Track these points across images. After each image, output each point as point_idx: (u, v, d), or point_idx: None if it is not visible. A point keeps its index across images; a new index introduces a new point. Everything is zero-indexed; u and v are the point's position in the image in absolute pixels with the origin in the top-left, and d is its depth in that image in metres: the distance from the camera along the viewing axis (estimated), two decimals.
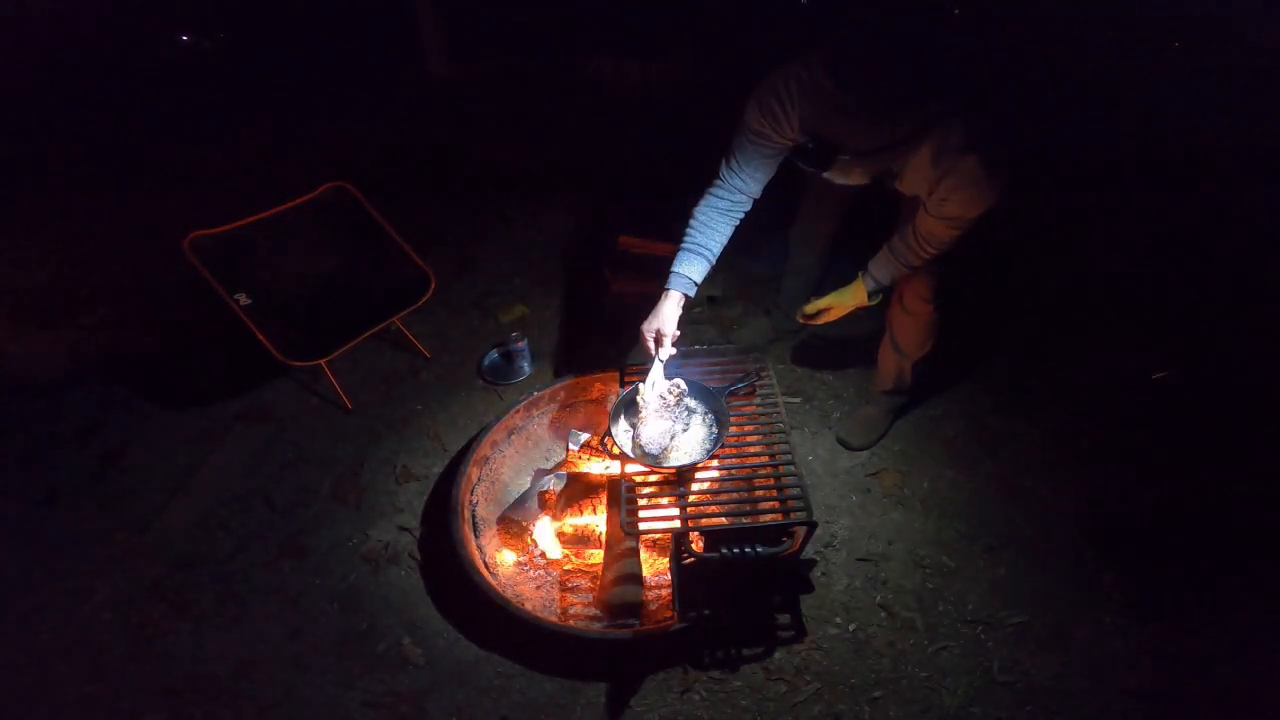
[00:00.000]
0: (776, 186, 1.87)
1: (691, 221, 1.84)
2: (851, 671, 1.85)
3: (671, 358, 1.91)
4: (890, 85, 1.53)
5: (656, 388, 1.84)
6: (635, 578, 1.87)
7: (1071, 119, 3.68)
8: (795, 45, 1.63)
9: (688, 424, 1.87)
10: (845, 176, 1.75)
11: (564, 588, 2.01)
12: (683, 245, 1.84)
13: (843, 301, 2.06)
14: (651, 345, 1.84)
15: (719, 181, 1.82)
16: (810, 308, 2.12)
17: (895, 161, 1.67)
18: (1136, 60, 3.94)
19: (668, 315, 1.83)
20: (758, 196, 1.84)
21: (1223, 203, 3.40)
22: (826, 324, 2.14)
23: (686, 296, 1.84)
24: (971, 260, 1.93)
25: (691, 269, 1.83)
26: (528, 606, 1.89)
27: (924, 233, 1.78)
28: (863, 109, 1.51)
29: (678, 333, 1.84)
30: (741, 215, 1.85)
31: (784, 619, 1.96)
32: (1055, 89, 3.65)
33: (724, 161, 1.80)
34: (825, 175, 1.75)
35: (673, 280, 1.83)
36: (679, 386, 1.86)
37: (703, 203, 1.84)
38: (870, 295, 2.01)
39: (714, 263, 1.85)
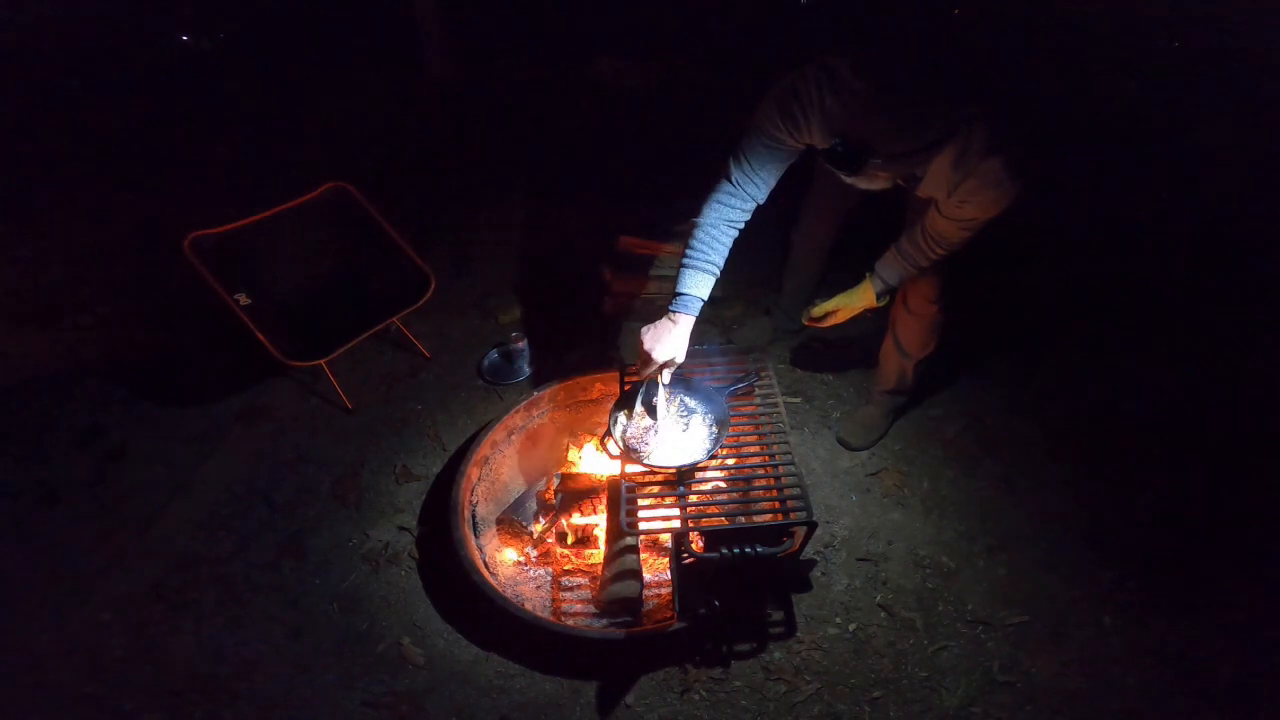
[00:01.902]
0: (777, 185, 1.86)
1: (699, 234, 1.73)
2: (851, 671, 1.85)
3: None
4: (923, 88, 1.49)
5: (658, 404, 1.82)
6: (634, 573, 1.87)
7: (1076, 120, 3.68)
8: (795, 44, 1.61)
9: (687, 424, 1.87)
10: (870, 182, 1.68)
11: (563, 588, 2.01)
12: (691, 262, 1.73)
13: (850, 303, 2.02)
14: (652, 373, 1.75)
15: (731, 188, 1.72)
16: (817, 310, 2.07)
17: (922, 166, 1.63)
18: (1137, 60, 3.94)
19: (682, 343, 1.73)
20: (764, 203, 1.76)
21: (1224, 202, 3.40)
22: (832, 326, 2.10)
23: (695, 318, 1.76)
24: (978, 261, 1.92)
25: (702, 288, 1.73)
26: (528, 606, 1.89)
27: (934, 234, 1.76)
28: (895, 112, 1.47)
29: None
30: (744, 225, 1.77)
31: (784, 619, 1.96)
32: (1062, 90, 3.65)
33: (734, 167, 1.71)
34: (850, 180, 1.71)
35: (686, 303, 1.72)
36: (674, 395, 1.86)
37: (711, 213, 1.72)
38: (878, 297, 1.97)
39: (718, 278, 1.77)
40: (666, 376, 1.80)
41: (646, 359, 1.72)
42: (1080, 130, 3.63)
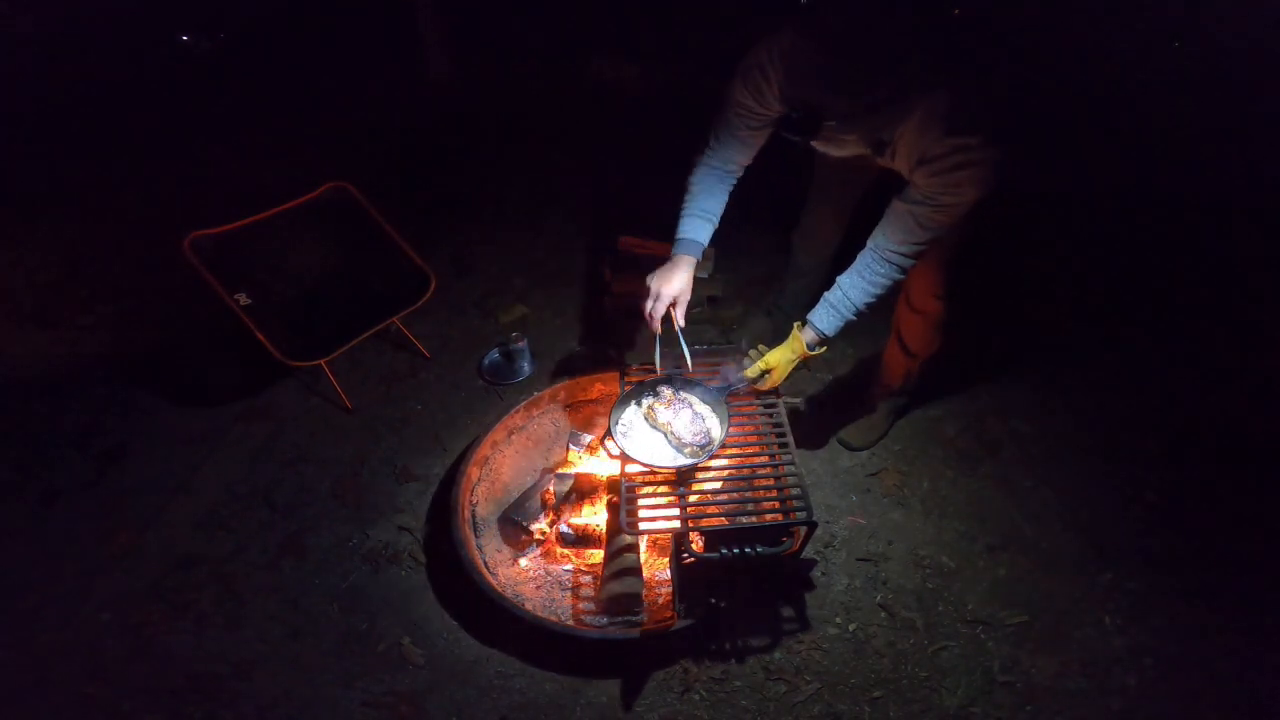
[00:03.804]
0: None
1: (691, 188, 1.83)
2: (851, 671, 1.85)
3: (669, 361, 1.90)
4: (863, 38, 1.44)
5: (687, 358, 1.88)
6: (635, 571, 1.87)
7: (1071, 115, 3.67)
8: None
9: (691, 422, 1.88)
10: (839, 148, 1.69)
11: (564, 587, 2.01)
12: (686, 210, 1.83)
13: (783, 358, 1.83)
14: (662, 311, 1.80)
15: (710, 153, 1.81)
16: (751, 371, 1.87)
17: (885, 129, 1.59)
18: (1137, 60, 3.94)
19: (684, 280, 1.81)
20: (749, 164, 1.85)
21: (1224, 202, 3.40)
22: (772, 386, 1.89)
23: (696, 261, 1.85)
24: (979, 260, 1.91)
25: (700, 232, 1.82)
26: (528, 606, 1.89)
27: (904, 229, 1.64)
28: (836, 67, 1.43)
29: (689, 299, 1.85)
30: (735, 181, 1.86)
31: (784, 619, 1.96)
32: (1056, 80, 3.62)
33: (713, 135, 1.80)
34: (817, 147, 1.71)
35: (685, 245, 1.81)
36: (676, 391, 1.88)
37: (699, 170, 1.83)
38: (810, 346, 1.79)
39: (716, 227, 1.86)
40: (680, 318, 1.85)
41: (656, 295, 1.80)
42: (1075, 125, 3.63)
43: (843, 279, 1.75)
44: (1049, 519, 2.19)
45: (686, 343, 1.88)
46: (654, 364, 1.92)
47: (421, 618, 1.98)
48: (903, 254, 1.67)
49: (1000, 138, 1.50)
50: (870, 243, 1.72)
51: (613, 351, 2.72)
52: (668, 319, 1.85)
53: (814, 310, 1.79)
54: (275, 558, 2.12)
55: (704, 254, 1.88)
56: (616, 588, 1.83)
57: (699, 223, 1.83)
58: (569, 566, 2.05)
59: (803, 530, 1.71)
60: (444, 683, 1.84)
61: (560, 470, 2.18)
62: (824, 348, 1.81)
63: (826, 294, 1.77)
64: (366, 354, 2.73)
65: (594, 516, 2.06)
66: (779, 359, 1.83)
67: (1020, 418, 2.49)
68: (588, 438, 2.24)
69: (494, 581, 1.91)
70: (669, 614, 1.84)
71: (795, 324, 1.83)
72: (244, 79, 4.75)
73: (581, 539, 2.04)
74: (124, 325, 2.94)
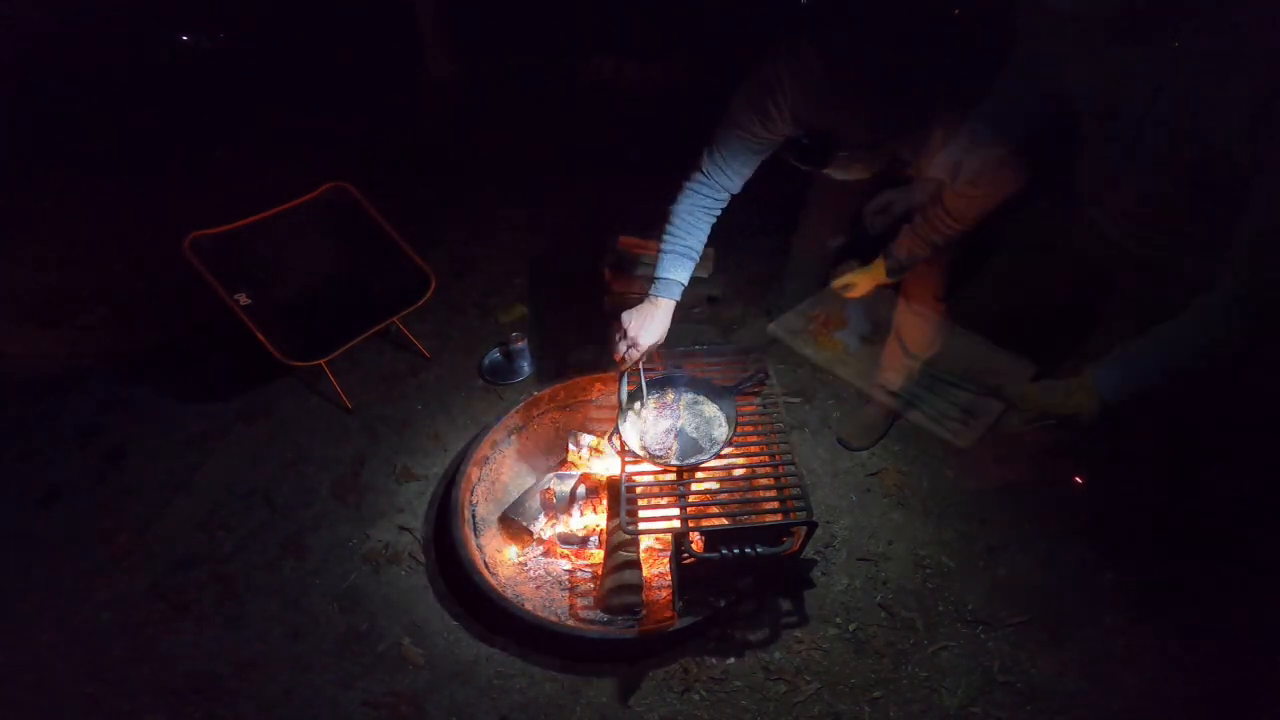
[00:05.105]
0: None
1: (674, 221, 1.77)
2: (851, 671, 1.85)
3: (671, 361, 1.90)
4: (876, 70, 1.44)
5: (644, 401, 1.85)
6: (634, 570, 1.87)
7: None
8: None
9: (696, 423, 1.88)
10: (845, 172, 1.67)
11: (564, 587, 2.01)
12: (667, 248, 1.77)
13: (866, 276, 1.96)
14: (636, 356, 1.78)
15: (702, 178, 1.74)
16: (837, 283, 2.02)
17: (902, 149, 1.59)
18: None
19: (664, 327, 1.78)
20: (738, 193, 1.79)
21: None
22: (854, 298, 2.03)
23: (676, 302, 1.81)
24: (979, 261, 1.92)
25: (680, 272, 1.77)
26: (528, 606, 1.89)
27: (953, 209, 1.69)
28: (850, 98, 1.43)
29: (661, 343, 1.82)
30: (720, 211, 1.80)
31: (784, 619, 1.96)
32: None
33: (707, 157, 1.73)
34: (826, 172, 1.69)
35: (665, 287, 1.77)
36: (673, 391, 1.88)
37: (684, 200, 1.76)
38: (889, 273, 1.91)
39: (696, 262, 1.81)
40: (646, 359, 1.84)
41: (633, 343, 1.77)
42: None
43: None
44: (1049, 519, 2.19)
45: (648, 387, 1.88)
46: (619, 400, 1.89)
47: (421, 618, 1.98)
48: (956, 225, 1.70)
49: (1020, 142, 1.52)
50: (922, 211, 1.74)
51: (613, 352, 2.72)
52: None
53: (895, 241, 1.84)
54: (275, 558, 2.12)
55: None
56: (617, 588, 1.83)
57: (681, 261, 1.77)
58: (569, 566, 2.05)
59: (803, 530, 1.71)
60: (444, 683, 1.84)
61: (560, 470, 2.18)
62: (902, 273, 1.89)
63: (908, 225, 1.80)
64: (366, 354, 2.73)
65: (594, 516, 2.06)
66: (861, 278, 1.94)
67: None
68: (588, 438, 2.24)
69: (494, 581, 1.91)
70: (669, 614, 1.84)
71: (882, 255, 1.90)
72: (244, 79, 4.75)
73: (581, 539, 2.04)
74: (124, 325, 2.94)
